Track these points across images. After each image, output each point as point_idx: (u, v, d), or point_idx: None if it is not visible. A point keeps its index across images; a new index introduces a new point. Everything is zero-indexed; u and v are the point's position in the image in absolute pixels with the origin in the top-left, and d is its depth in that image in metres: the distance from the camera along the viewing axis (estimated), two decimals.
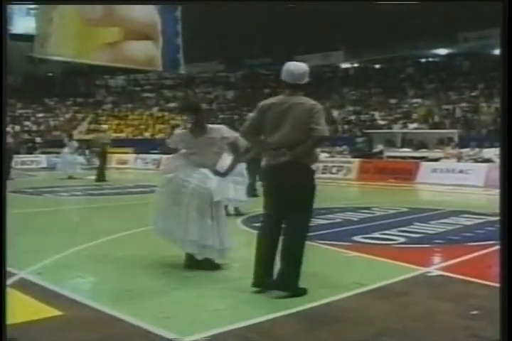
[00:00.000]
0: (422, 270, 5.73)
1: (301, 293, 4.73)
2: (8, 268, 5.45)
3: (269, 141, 4.88)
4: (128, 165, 28.55)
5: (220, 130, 5.74)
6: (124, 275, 5.53)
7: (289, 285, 4.70)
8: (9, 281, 5.07)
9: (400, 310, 4.46)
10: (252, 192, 10.58)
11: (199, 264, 5.67)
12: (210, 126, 5.75)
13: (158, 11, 35.87)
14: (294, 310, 4.34)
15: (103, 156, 19.29)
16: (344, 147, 25.79)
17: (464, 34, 32.32)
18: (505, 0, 3.59)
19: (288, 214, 4.83)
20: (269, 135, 4.87)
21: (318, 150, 5.41)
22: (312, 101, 4.80)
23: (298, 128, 4.71)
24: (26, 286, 4.99)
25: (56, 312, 4.25)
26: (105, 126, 23.24)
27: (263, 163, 5.03)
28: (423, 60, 38.15)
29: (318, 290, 4.91)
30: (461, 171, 18.44)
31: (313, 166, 4.91)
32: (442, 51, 36.34)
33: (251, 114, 5.38)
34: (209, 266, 5.66)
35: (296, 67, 4.89)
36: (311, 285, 5.04)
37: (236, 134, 5.70)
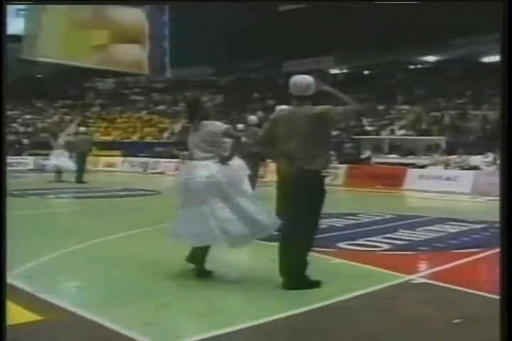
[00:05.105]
0: (406, 277, 5.69)
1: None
2: None
3: (283, 150, 5.23)
4: (115, 168, 28.44)
5: (209, 126, 5.62)
6: (109, 278, 5.50)
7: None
8: None
9: (384, 316, 4.44)
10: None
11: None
12: (205, 122, 5.64)
13: (146, 15, 35.89)
14: (282, 315, 4.33)
15: (82, 158, 19.07)
16: (331, 152, 25.73)
17: (453, 40, 32.35)
18: (505, 0, 3.58)
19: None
20: (283, 145, 5.22)
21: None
22: (316, 109, 5.18)
23: (308, 137, 5.10)
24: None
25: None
26: (84, 129, 22.18)
27: (276, 171, 5.38)
28: (413, 67, 38.23)
29: (301, 297, 4.88)
30: (448, 178, 18.45)
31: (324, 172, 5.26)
32: (432, 58, 36.42)
33: (265, 125, 5.78)
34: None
35: (300, 80, 5.25)
36: (294, 291, 5.02)
37: (224, 127, 5.64)
